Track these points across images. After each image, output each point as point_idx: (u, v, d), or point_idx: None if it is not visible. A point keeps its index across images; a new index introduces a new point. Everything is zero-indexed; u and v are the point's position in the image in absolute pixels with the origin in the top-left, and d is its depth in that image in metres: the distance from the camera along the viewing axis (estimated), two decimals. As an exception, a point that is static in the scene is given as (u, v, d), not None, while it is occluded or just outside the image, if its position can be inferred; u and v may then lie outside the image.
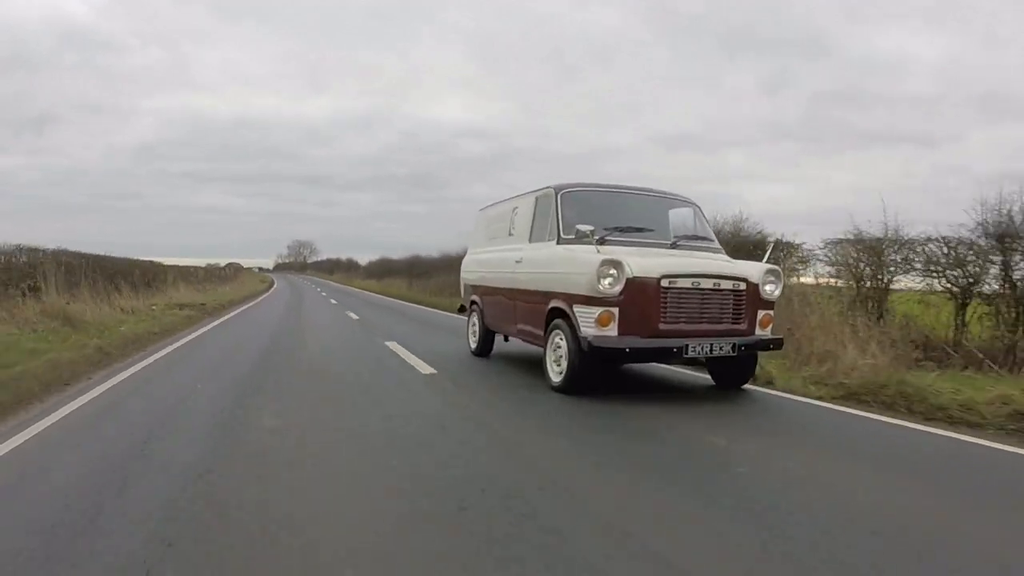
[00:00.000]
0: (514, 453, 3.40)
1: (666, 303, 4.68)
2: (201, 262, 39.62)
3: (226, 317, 12.99)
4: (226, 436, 3.58)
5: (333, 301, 21.04)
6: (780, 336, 5.45)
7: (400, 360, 6.76)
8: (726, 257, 5.63)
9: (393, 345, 7.97)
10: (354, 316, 13.80)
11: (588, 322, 4.66)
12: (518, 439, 3.70)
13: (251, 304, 19.00)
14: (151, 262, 21.22)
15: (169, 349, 7.52)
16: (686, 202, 6.08)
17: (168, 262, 24.48)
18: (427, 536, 2.24)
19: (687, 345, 4.64)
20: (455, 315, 11.11)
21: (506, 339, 7.25)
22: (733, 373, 5.49)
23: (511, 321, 6.19)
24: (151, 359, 6.67)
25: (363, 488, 2.76)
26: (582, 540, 2.22)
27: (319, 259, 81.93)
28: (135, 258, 19.37)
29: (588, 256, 4.73)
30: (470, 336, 7.48)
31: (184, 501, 2.52)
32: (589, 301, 4.65)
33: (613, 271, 4.58)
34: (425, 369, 6.12)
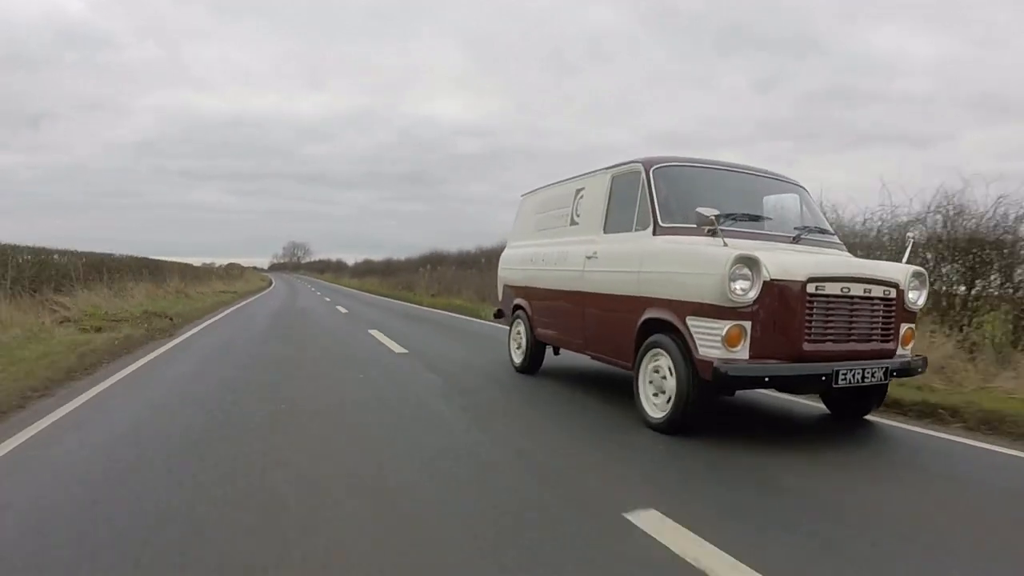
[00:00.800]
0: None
1: (812, 315, 3.52)
2: (199, 261, 43.64)
3: (252, 299, 21.47)
4: (261, 348, 7.97)
5: (317, 292, 29.19)
6: (925, 356, 4.33)
7: (342, 315, 13.79)
8: (849, 255, 4.49)
9: (342, 309, 15.98)
10: (327, 299, 22.01)
11: (711, 340, 3.48)
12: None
13: (263, 293, 27.54)
14: (187, 264, 30.63)
15: (232, 308, 15.73)
16: (795, 185, 4.91)
17: (192, 262, 33.85)
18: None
19: (837, 371, 3.50)
20: (392, 299, 19.14)
21: (556, 352, 6.06)
22: (861, 402, 4.36)
23: (577, 333, 4.98)
24: (232, 308, 15.69)
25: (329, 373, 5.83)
26: None
27: (312, 260, 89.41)
28: (170, 260, 26.52)
29: (712, 251, 3.56)
30: (512, 350, 6.26)
31: (250, 358, 6.73)
32: (713, 312, 3.48)
33: (748, 271, 3.41)
34: (342, 311, 12.99)
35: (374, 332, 9.68)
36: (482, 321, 12.27)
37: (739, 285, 3.39)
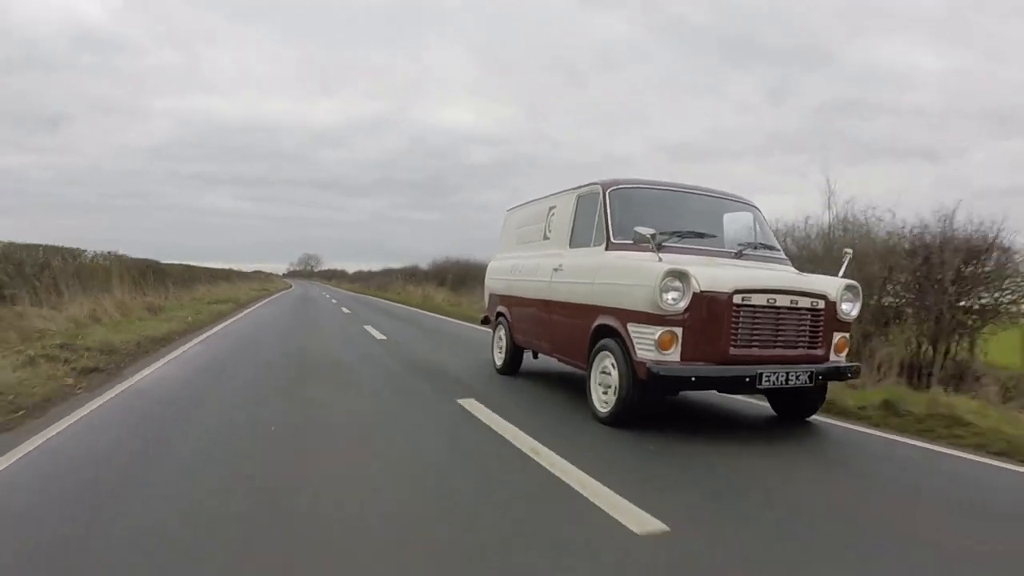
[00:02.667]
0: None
1: (738, 323, 3.97)
2: (218, 265, 47.06)
3: (277, 295, 31.26)
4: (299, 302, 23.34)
5: (325, 294, 35.91)
6: (857, 364, 4.74)
7: (326, 299, 28.10)
8: (794, 270, 4.92)
9: (331, 298, 28.92)
10: (325, 295, 34.17)
11: (647, 344, 3.95)
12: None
13: (284, 292, 37.43)
14: (222, 269, 37.72)
15: (265, 300, 23.65)
16: (747, 205, 5.36)
17: (222, 267, 40.51)
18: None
19: (761, 374, 3.93)
20: (369, 295, 33.58)
21: (535, 356, 6.55)
22: (800, 403, 4.77)
23: (545, 338, 5.48)
24: (265, 301, 23.17)
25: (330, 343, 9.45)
26: None
27: (322, 268, 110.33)
28: (201, 265, 31.88)
29: (648, 265, 4.03)
30: (495, 353, 6.76)
31: (277, 335, 11.30)
32: (648, 319, 3.95)
33: (678, 283, 3.87)
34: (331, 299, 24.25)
35: (344, 309, 16.82)
36: (441, 316, 16.73)
37: (670, 296, 3.86)
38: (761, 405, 5.18)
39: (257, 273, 62.85)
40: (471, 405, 4.71)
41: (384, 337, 10.05)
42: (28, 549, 2.09)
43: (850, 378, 4.56)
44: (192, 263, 28.04)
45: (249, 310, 17.07)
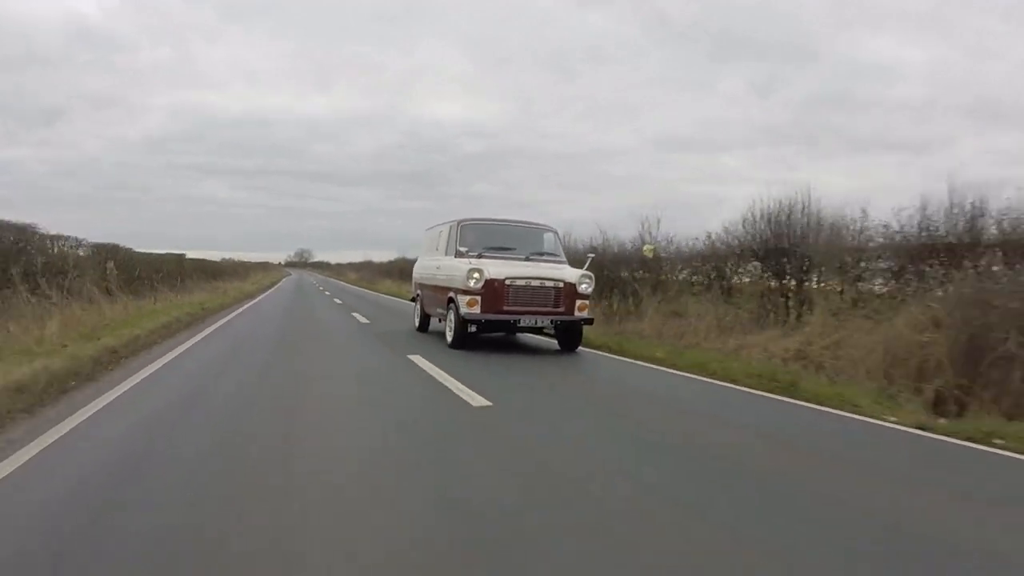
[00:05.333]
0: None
1: (508, 294, 8.04)
2: (218, 256, 53.39)
3: (283, 282, 43.66)
4: (286, 309, 14.42)
5: (312, 281, 50.90)
6: (591, 317, 8.81)
7: (312, 283, 43.24)
8: (561, 265, 8.94)
9: (315, 282, 47.75)
10: (312, 281, 48.94)
11: (464, 304, 8.02)
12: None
13: (287, 278, 54.29)
14: (236, 261, 50.89)
15: (272, 290, 29.67)
16: (547, 228, 9.45)
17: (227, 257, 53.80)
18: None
19: (520, 319, 8.02)
20: (351, 285, 42.18)
21: (439, 321, 10.62)
22: (568, 340, 8.83)
23: (433, 306, 9.59)
24: (272, 289, 30.68)
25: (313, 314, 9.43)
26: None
27: (314, 260, 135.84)
28: (214, 259, 40.24)
29: (463, 264, 8.13)
30: (415, 317, 10.88)
31: (283, 317, 9.76)
32: (465, 292, 8.02)
33: (476, 274, 7.95)
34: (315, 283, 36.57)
35: (319, 286, 16.47)
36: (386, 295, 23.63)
37: (472, 281, 7.94)
38: (551, 342, 9.28)
39: (265, 264, 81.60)
40: (414, 357, 8.84)
41: (339, 301, 14.18)
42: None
43: (584, 324, 8.60)
44: (201, 255, 34.34)
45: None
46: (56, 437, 3.67)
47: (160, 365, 6.50)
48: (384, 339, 9.59)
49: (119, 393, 5.01)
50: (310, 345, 8.69)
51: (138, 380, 5.59)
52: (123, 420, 4.20)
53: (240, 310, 15.24)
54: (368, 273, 48.20)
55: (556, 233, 9.52)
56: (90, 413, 4.29)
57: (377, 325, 11.81)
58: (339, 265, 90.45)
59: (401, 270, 31.21)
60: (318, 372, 6.56)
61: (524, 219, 9.50)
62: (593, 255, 9.14)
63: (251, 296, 21.99)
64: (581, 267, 8.81)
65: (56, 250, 12.20)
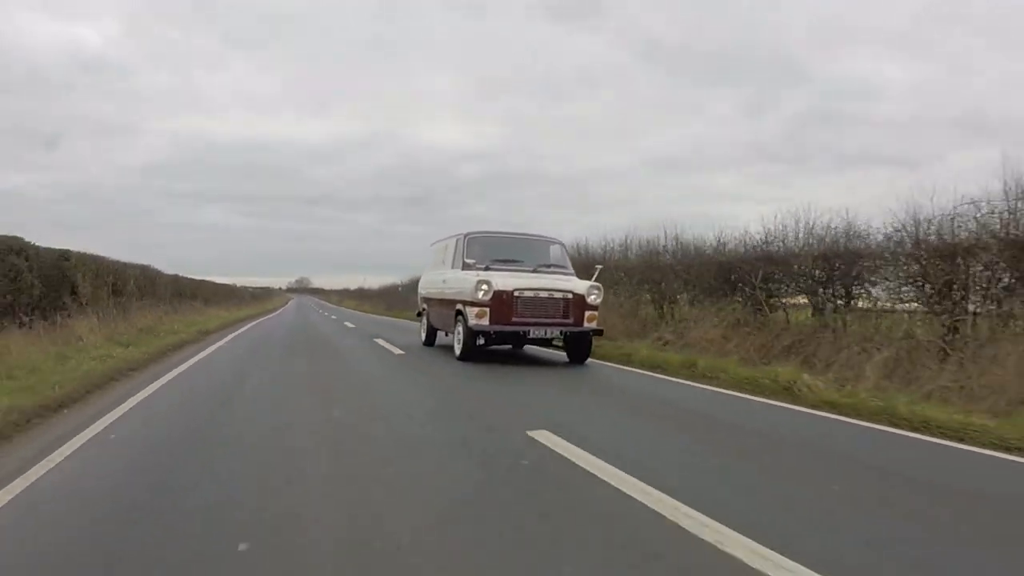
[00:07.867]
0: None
1: (517, 305, 8.00)
2: (221, 280, 57.03)
3: (288, 305, 53.31)
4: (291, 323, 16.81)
5: (311, 305, 57.17)
6: (601, 328, 8.76)
7: (311, 307, 46.79)
8: (569, 277, 8.91)
9: (314, 305, 56.14)
10: (312, 305, 57.33)
11: (472, 316, 7.98)
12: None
13: (291, 303, 61.10)
14: (247, 287, 55.84)
15: (281, 309, 41.99)
16: (554, 241, 9.45)
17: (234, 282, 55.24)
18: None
19: (530, 331, 7.98)
20: (341, 306, 52.90)
21: (447, 335, 10.56)
22: (577, 352, 8.76)
23: (440, 319, 9.53)
24: (282, 308, 43.95)
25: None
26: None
27: (312, 287, 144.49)
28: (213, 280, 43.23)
29: (471, 276, 8.10)
30: (421, 332, 10.82)
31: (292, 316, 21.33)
32: (473, 304, 7.98)
33: (485, 286, 7.91)
34: (314, 307, 46.11)
35: (320, 311, 16.48)
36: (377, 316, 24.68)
37: (480, 293, 7.90)
38: (561, 354, 9.23)
39: (267, 289, 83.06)
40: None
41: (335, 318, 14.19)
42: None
43: (593, 335, 8.54)
44: (203, 277, 36.74)
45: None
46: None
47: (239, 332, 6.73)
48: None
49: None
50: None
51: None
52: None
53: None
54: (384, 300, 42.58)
55: (563, 245, 9.51)
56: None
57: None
58: (337, 292, 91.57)
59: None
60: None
61: (527, 231, 9.49)
62: (601, 266, 9.13)
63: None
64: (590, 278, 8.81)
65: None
